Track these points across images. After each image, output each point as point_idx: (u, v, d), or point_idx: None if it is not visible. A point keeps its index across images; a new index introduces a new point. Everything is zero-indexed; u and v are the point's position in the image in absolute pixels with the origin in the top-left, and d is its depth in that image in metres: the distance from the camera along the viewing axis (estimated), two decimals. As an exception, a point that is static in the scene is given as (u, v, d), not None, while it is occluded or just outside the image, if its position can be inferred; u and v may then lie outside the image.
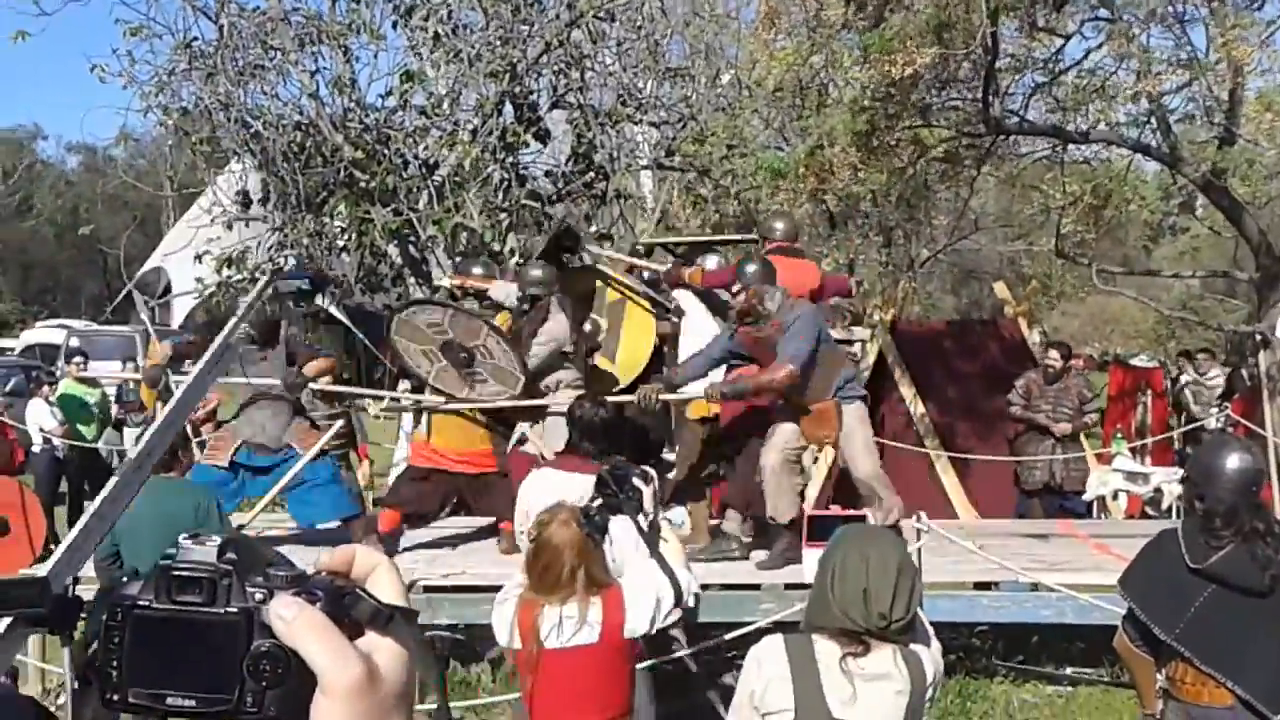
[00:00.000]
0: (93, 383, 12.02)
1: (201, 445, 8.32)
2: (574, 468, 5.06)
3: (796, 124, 11.54)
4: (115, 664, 0.80)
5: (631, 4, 10.38)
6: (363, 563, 0.88)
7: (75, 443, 11.13)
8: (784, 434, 6.60)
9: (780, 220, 8.36)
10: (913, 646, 2.96)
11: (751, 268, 6.89)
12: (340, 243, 10.95)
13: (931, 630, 3.13)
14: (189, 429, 7.20)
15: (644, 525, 3.87)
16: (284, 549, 0.89)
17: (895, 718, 2.89)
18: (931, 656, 3.03)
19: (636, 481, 3.93)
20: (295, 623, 0.79)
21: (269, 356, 7.47)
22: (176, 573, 0.81)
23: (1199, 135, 10.60)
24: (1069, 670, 6.99)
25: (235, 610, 0.80)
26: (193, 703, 0.80)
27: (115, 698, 0.80)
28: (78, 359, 11.94)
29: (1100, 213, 13.92)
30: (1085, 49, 10.40)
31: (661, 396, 6.73)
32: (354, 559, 0.88)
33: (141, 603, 0.81)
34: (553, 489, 4.78)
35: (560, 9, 10.06)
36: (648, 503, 3.91)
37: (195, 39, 9.93)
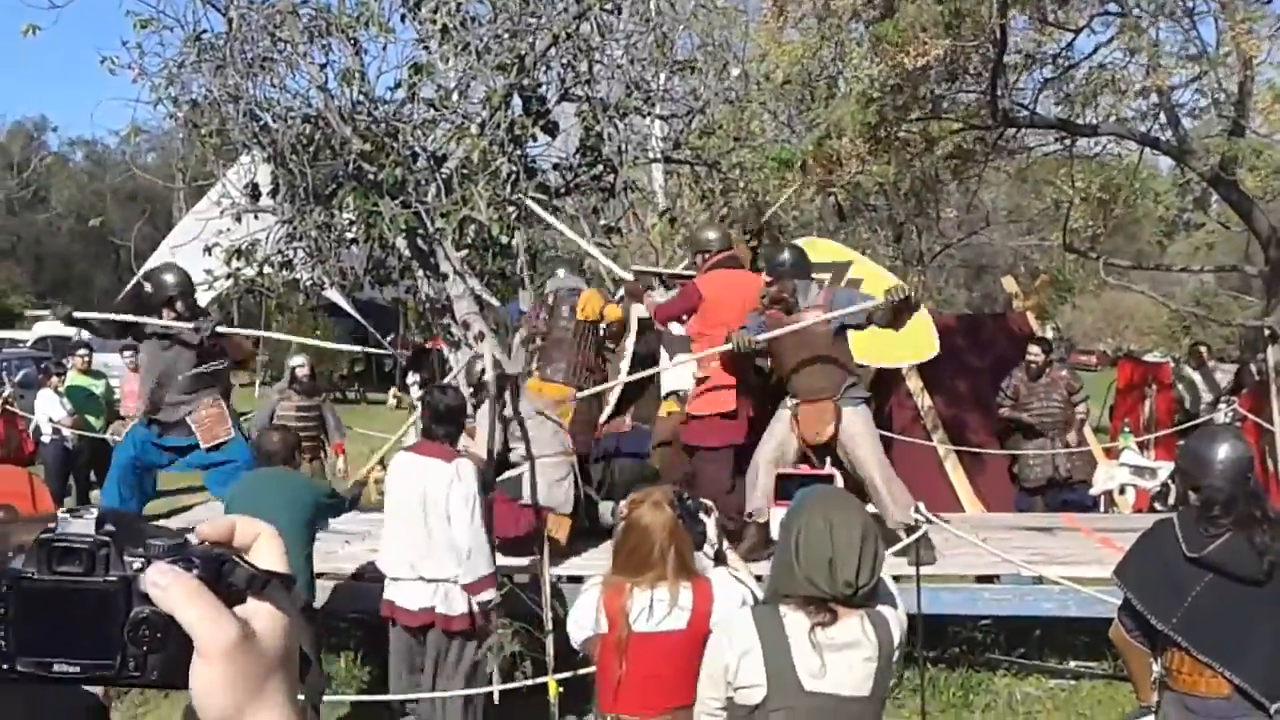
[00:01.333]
0: (97, 374, 12.08)
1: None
2: (430, 452, 5.42)
3: (804, 116, 11.55)
4: (3, 635, 0.83)
5: (640, -4, 10.36)
6: (244, 531, 0.91)
7: (84, 433, 11.19)
8: (780, 429, 6.63)
9: (711, 230, 8.32)
10: (879, 609, 2.97)
11: (784, 256, 6.92)
12: (349, 235, 10.97)
13: (895, 589, 3.14)
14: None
15: (709, 555, 3.85)
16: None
17: (865, 683, 2.89)
18: (897, 618, 3.04)
19: (701, 515, 3.91)
20: (170, 589, 0.81)
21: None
22: (56, 544, 0.83)
23: (1208, 130, 10.58)
24: (1072, 664, 6.99)
25: (114, 579, 0.82)
26: (78, 669, 0.82)
27: (5, 667, 0.83)
28: (82, 351, 11.99)
29: (1109, 208, 13.92)
30: (1095, 43, 10.40)
31: (760, 337, 6.73)
32: (234, 528, 0.90)
33: (25, 574, 0.83)
34: (413, 473, 5.36)
35: (568, 2, 10.04)
36: (712, 533, 3.89)
37: (205, 31, 9.94)
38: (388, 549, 5.56)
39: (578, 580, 6.07)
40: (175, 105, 10.41)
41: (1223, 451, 3.72)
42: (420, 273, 10.48)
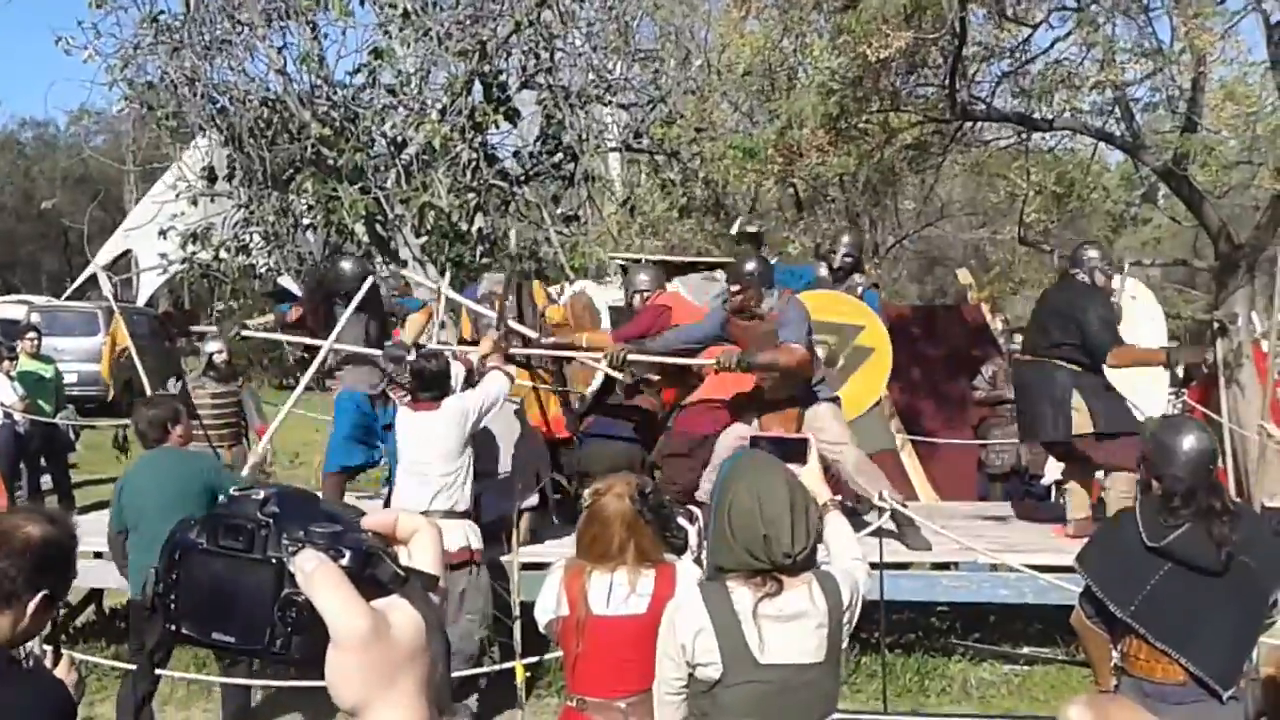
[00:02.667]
0: (46, 359, 11.91)
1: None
2: (425, 408, 6.20)
3: (765, 107, 11.59)
4: (174, 597, 0.89)
5: (602, -15, 10.37)
6: (405, 525, 0.95)
7: (35, 418, 11.04)
8: (742, 427, 6.65)
9: (644, 272, 8.19)
10: (825, 568, 3.00)
11: (750, 265, 6.77)
12: (306, 220, 10.88)
13: (845, 544, 3.18)
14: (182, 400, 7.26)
15: (689, 562, 3.83)
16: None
17: (819, 650, 2.92)
18: (846, 573, 3.07)
19: (681, 521, 3.90)
20: (313, 576, 0.85)
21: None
22: (223, 520, 0.88)
23: (1162, 125, 10.72)
24: (1025, 649, 7.09)
25: (272, 559, 0.87)
26: (232, 639, 0.88)
27: (173, 627, 0.89)
28: (30, 335, 11.80)
29: (1063, 201, 14.09)
30: (1052, 38, 10.49)
31: (631, 356, 6.86)
32: (396, 521, 0.95)
33: (196, 544, 0.89)
34: (417, 426, 6.17)
35: (530, -11, 10.03)
36: (693, 540, 3.89)
37: (162, 12, 9.84)
38: (401, 497, 6.17)
39: (545, 566, 6.10)
40: (131, 87, 10.31)
41: (1187, 443, 3.80)
42: (379, 258, 10.46)
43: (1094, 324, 6.94)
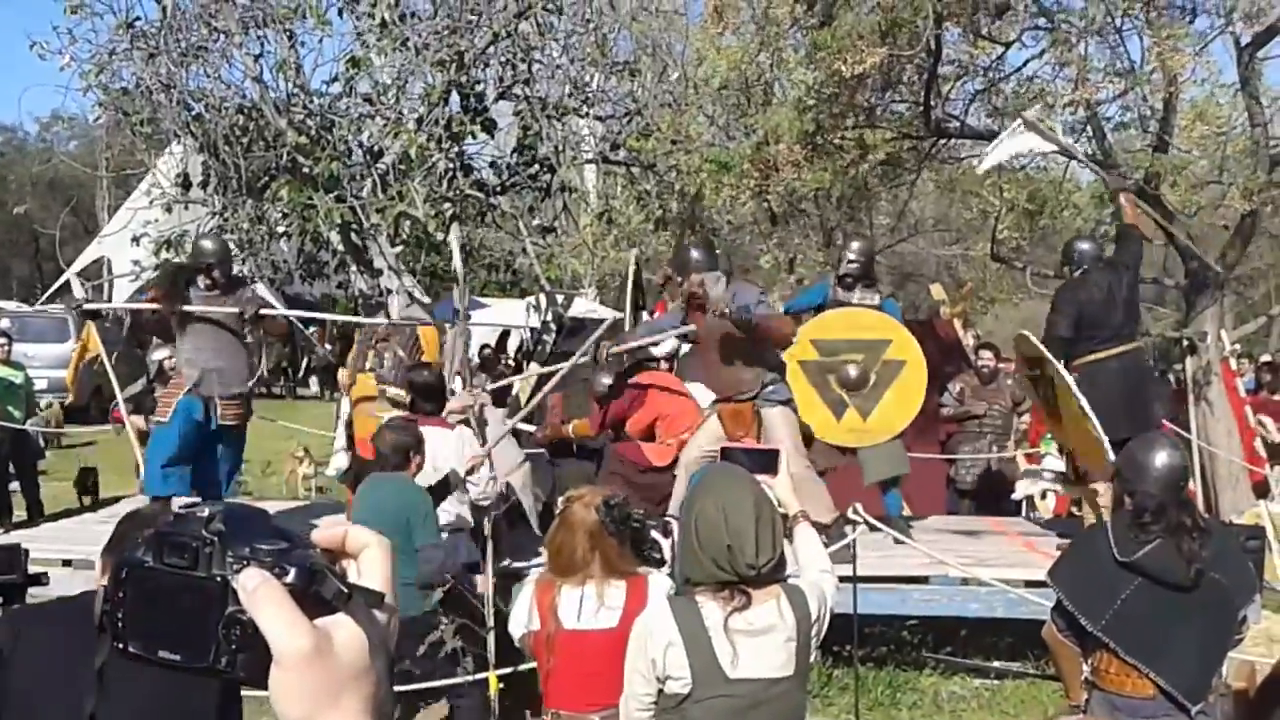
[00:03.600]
0: (17, 365, 11.81)
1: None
2: (430, 423, 6.10)
3: (741, 121, 11.64)
4: (120, 616, 0.88)
5: (580, -3, 10.39)
6: (354, 540, 0.94)
7: (5, 424, 10.94)
8: (708, 432, 6.64)
9: (605, 375, 8.06)
10: (793, 582, 3.01)
11: (695, 254, 6.73)
12: (281, 228, 10.83)
13: (813, 556, 3.20)
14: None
15: (663, 575, 3.81)
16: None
17: (788, 664, 2.94)
18: (813, 585, 3.08)
19: (655, 535, 3.90)
20: (255, 593, 0.84)
21: None
22: (168, 537, 0.88)
23: (1133, 144, 10.83)
24: (996, 663, 7.13)
25: (216, 577, 0.86)
26: (178, 657, 0.87)
27: (121, 645, 0.88)
28: (0, 341, 11.70)
29: (1035, 219, 14.18)
30: (1025, 57, 10.60)
31: (614, 350, 6.87)
32: (345, 536, 0.94)
33: (142, 562, 0.88)
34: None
35: (509, 0, 10.04)
36: (667, 554, 3.88)
37: (138, 18, 9.79)
38: None
39: (519, 576, 6.10)
40: (106, 93, 10.25)
41: (1159, 459, 3.84)
42: (354, 268, 10.42)
43: None
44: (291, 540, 0.89)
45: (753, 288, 6.67)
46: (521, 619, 3.76)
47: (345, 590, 0.88)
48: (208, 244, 8.05)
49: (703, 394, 7.28)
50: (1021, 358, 7.46)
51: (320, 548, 0.92)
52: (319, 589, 0.87)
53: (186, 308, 7.76)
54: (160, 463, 7.51)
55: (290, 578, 0.86)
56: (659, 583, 3.67)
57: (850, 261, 8.33)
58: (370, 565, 0.93)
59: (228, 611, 0.85)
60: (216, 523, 0.88)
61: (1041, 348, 7.07)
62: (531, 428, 8.92)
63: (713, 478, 3.12)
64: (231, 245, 10.48)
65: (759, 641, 2.89)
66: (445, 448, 6.10)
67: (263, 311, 8.11)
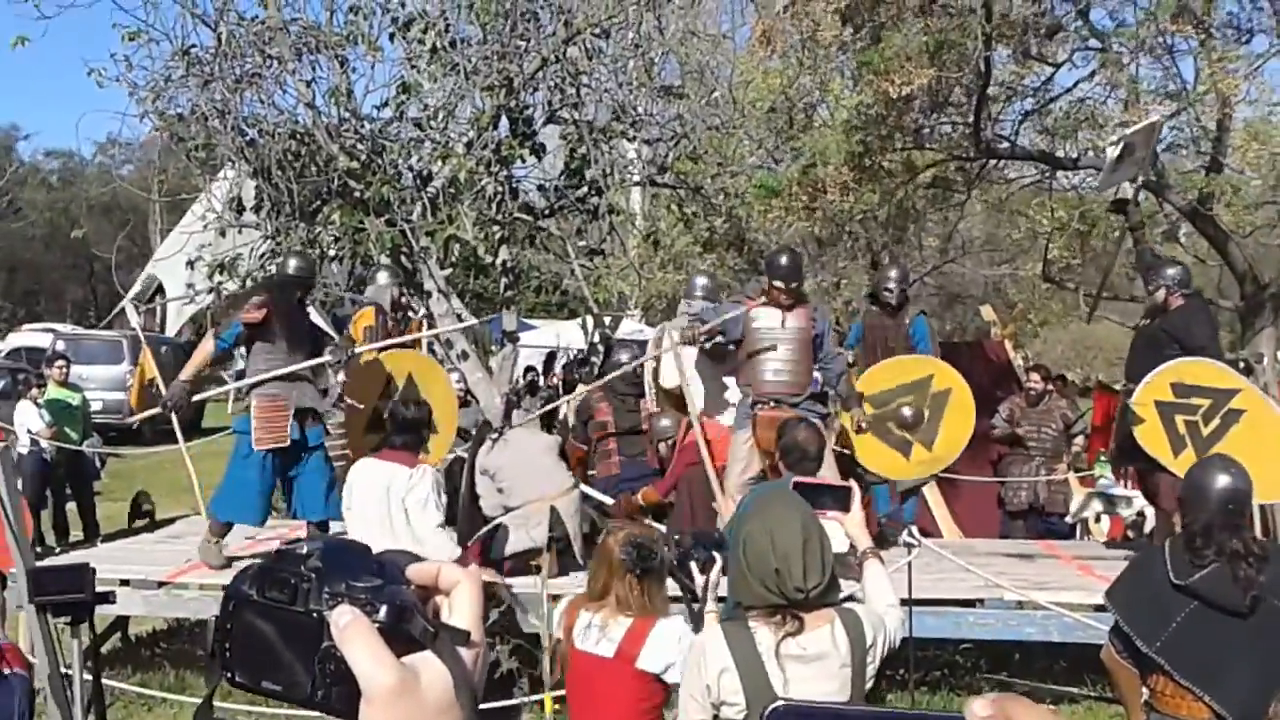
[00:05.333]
0: (74, 387, 12.02)
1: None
2: (393, 458, 5.71)
3: (788, 144, 11.67)
4: (228, 646, 0.92)
5: (627, 22, 10.44)
6: (447, 578, 0.97)
7: (62, 445, 11.12)
8: (742, 449, 6.79)
9: (666, 419, 8.15)
10: (848, 605, 3.00)
11: (784, 260, 7.16)
12: (332, 252, 10.96)
13: (881, 591, 3.20)
14: None
15: (680, 621, 3.72)
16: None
17: (842, 690, 2.91)
18: (873, 613, 3.07)
19: (693, 567, 3.83)
20: (345, 630, 0.87)
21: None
22: (271, 573, 0.92)
23: (1185, 165, 10.76)
24: (1053, 687, 7.05)
25: (312, 612, 0.90)
26: (279, 688, 0.91)
27: (229, 674, 0.92)
28: (59, 363, 11.91)
29: (1086, 239, 14.10)
30: (1075, 78, 10.57)
31: (701, 330, 7.05)
32: (438, 574, 0.97)
33: (247, 595, 0.92)
34: (377, 477, 5.65)
35: (557, 26, 10.11)
36: (698, 586, 3.78)
37: (193, 46, 9.94)
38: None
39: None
40: (161, 118, 10.42)
41: (1215, 483, 3.80)
42: (404, 290, 10.52)
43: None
44: (386, 576, 0.92)
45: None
46: (553, 628, 3.88)
47: (432, 629, 0.91)
48: (301, 261, 7.90)
49: (734, 390, 7.50)
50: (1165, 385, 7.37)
51: (414, 584, 0.94)
52: (407, 626, 0.89)
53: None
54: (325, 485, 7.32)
55: (380, 615, 0.88)
56: (667, 628, 3.65)
57: (887, 289, 8.53)
58: (460, 602, 0.96)
59: (323, 646, 0.88)
60: (315, 559, 0.91)
61: (1232, 372, 7.18)
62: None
63: (761, 502, 3.14)
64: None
65: (812, 667, 2.88)
66: (396, 482, 5.59)
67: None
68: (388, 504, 5.53)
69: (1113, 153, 8.07)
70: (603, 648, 3.65)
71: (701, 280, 8.64)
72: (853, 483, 3.67)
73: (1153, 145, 8.07)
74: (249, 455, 7.09)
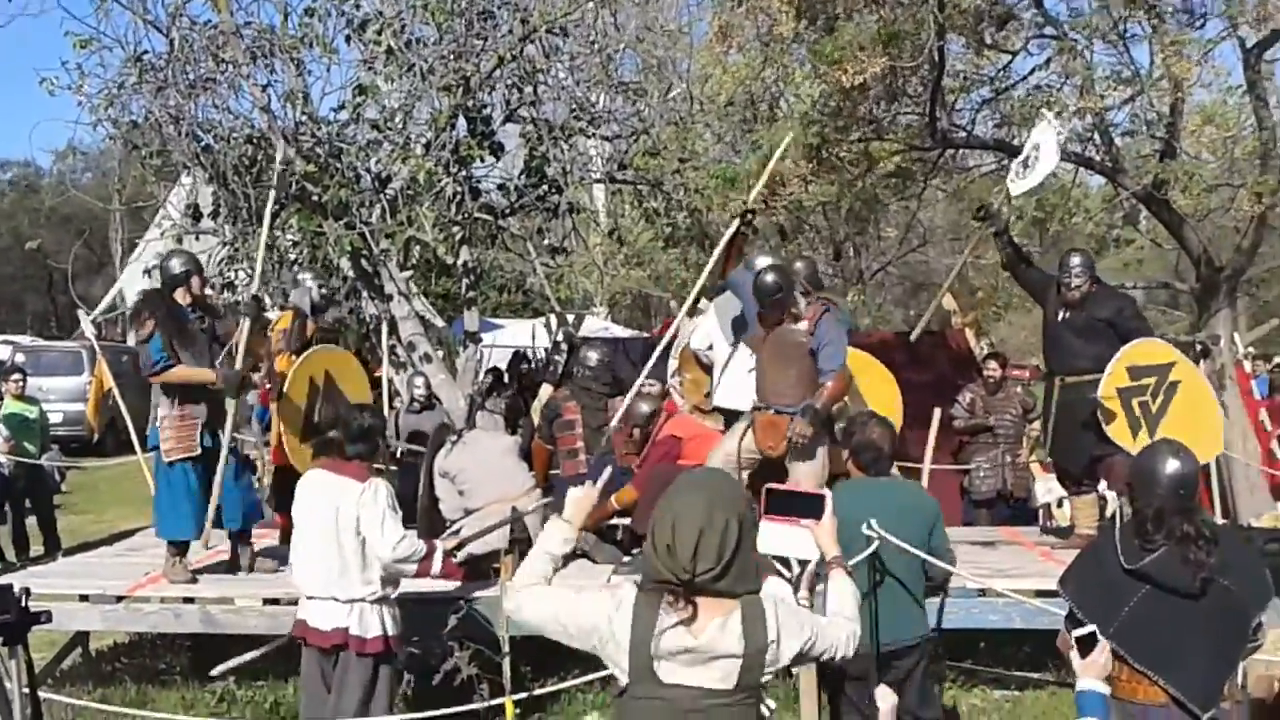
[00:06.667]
0: (31, 400, 11.90)
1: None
2: (343, 470, 5.35)
3: (747, 137, 11.68)
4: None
5: (584, 19, 10.42)
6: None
7: (20, 459, 11.02)
8: (732, 442, 6.80)
9: (645, 404, 7.96)
10: (758, 598, 2.90)
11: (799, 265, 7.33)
12: (292, 256, 10.89)
13: (841, 604, 3.17)
14: None
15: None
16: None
17: (725, 679, 2.85)
18: (797, 613, 3.00)
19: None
20: None
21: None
22: None
23: (1141, 149, 10.82)
24: (1016, 674, 7.09)
25: None
26: None
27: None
28: (15, 377, 11.78)
29: (1045, 226, 14.20)
30: (1031, 66, 10.61)
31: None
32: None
33: None
34: (326, 490, 5.32)
35: (514, 24, 10.08)
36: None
37: (146, 52, 9.85)
38: (300, 567, 5.43)
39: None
40: (115, 126, 10.32)
41: (1164, 467, 3.83)
42: (364, 294, 10.47)
43: None
44: None
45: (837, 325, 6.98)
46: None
47: None
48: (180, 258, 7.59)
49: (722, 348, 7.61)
50: (1123, 371, 7.43)
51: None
52: None
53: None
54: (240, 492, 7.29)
55: None
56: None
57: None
58: None
59: None
60: None
61: (1167, 345, 7.60)
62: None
63: (683, 480, 3.04)
64: (243, 274, 10.54)
65: (698, 654, 2.81)
66: (346, 501, 5.28)
67: None
68: (336, 524, 5.23)
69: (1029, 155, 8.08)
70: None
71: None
72: (826, 490, 3.62)
73: (1057, 143, 8.10)
74: (169, 469, 6.95)
